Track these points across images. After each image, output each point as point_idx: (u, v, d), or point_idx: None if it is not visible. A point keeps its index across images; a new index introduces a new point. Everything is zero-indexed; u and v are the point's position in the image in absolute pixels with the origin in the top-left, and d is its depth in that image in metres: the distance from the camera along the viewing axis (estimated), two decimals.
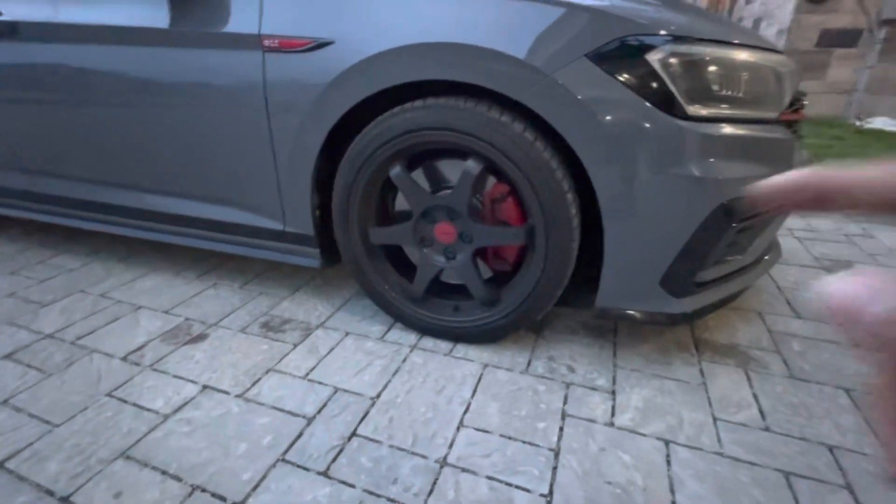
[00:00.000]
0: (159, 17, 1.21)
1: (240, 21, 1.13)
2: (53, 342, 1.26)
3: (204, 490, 0.83)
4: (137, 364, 1.17)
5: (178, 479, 0.85)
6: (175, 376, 1.12)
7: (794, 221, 2.17)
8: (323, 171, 1.22)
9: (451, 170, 1.16)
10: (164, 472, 0.86)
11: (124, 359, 1.19)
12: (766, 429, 0.96)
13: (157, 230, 1.52)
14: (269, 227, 1.33)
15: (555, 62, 0.91)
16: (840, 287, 0.13)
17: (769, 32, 5.20)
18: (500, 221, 1.13)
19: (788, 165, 1.06)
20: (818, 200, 0.16)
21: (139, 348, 1.23)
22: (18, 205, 1.75)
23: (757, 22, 5.63)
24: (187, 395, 1.05)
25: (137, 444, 0.92)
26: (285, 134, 1.16)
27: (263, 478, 0.85)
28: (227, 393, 1.06)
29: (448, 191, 1.13)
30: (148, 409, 1.01)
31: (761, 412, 1.00)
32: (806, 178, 0.16)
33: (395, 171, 1.12)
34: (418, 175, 1.18)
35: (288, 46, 1.09)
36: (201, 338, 1.28)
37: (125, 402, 1.04)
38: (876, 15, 4.42)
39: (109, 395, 1.06)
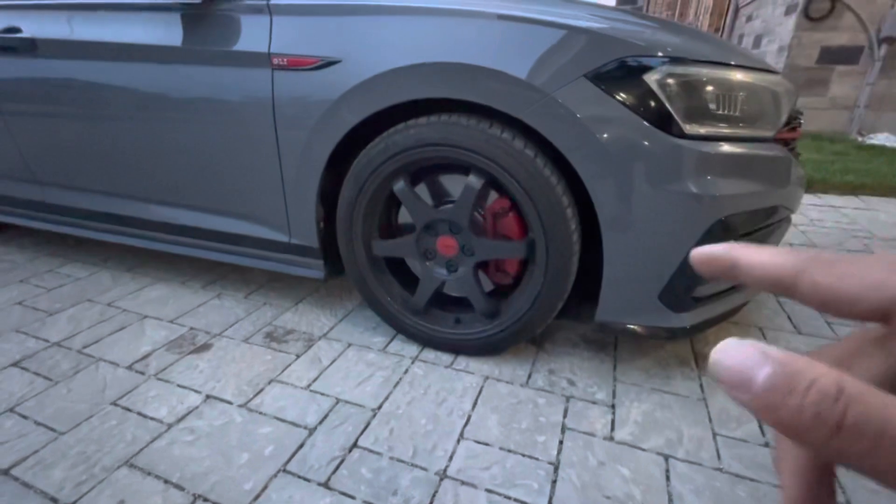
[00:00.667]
0: (172, 36, 1.25)
1: (250, 40, 1.17)
2: (60, 350, 1.28)
3: (206, 500, 0.83)
4: (142, 373, 1.18)
5: (181, 488, 0.86)
6: (179, 385, 1.13)
7: (794, 237, 2.18)
8: (328, 184, 1.24)
9: (454, 184, 1.18)
10: (166, 481, 0.87)
11: (129, 367, 1.20)
12: (766, 444, 0.96)
13: (164, 241, 1.55)
14: (274, 239, 1.35)
15: (555, 82, 0.94)
16: (730, 354, 0.12)
17: (770, 49, 5.26)
18: (502, 235, 1.15)
19: (785, 182, 1.07)
20: (729, 273, 0.17)
21: (144, 357, 1.25)
22: (30, 215, 1.78)
23: (758, 39, 5.69)
24: (191, 405, 1.07)
25: (141, 452, 0.94)
26: (292, 148, 1.19)
27: (265, 488, 0.86)
28: (230, 403, 1.07)
29: (450, 205, 1.15)
30: (152, 418, 1.03)
31: (761, 428, 1.00)
32: (721, 253, 0.18)
33: (399, 185, 1.15)
34: (421, 189, 1.20)
35: (296, 65, 1.12)
36: (205, 347, 1.29)
37: (130, 410, 1.05)
38: (875, 32, 4.47)
39: (114, 403, 1.07)
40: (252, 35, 1.17)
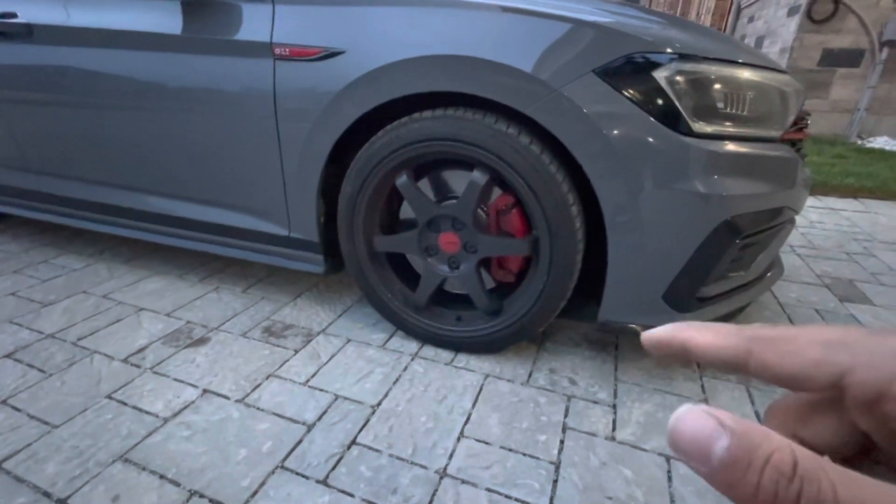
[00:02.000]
0: (172, 23, 1.23)
1: (252, 29, 1.15)
2: (55, 342, 1.26)
3: (202, 495, 0.82)
4: (138, 366, 1.16)
5: (177, 483, 0.84)
6: (175, 379, 1.12)
7: (794, 238, 2.17)
8: (329, 178, 1.23)
9: (457, 180, 1.17)
10: (162, 477, 0.86)
11: (125, 361, 1.19)
12: None
13: (162, 233, 1.53)
14: (273, 233, 1.33)
15: (562, 77, 0.93)
16: (688, 424, 0.12)
17: (772, 51, 5.25)
18: (505, 232, 1.14)
19: (791, 184, 1.06)
20: (682, 355, 0.17)
21: (140, 350, 1.23)
22: (25, 204, 1.76)
23: (759, 40, 5.69)
24: (187, 399, 1.05)
25: (136, 447, 0.92)
26: (293, 141, 1.17)
27: (262, 484, 0.85)
28: (227, 398, 1.06)
29: (453, 201, 1.14)
30: (148, 412, 1.01)
31: None
32: (669, 337, 0.17)
33: (402, 180, 1.13)
34: (424, 184, 1.18)
35: (299, 55, 1.10)
36: (202, 341, 1.28)
37: (125, 404, 1.04)
38: (877, 36, 4.47)
39: (109, 396, 1.06)
40: (254, 24, 1.15)
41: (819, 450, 0.15)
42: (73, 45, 1.36)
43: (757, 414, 1.04)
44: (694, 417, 0.12)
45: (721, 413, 0.12)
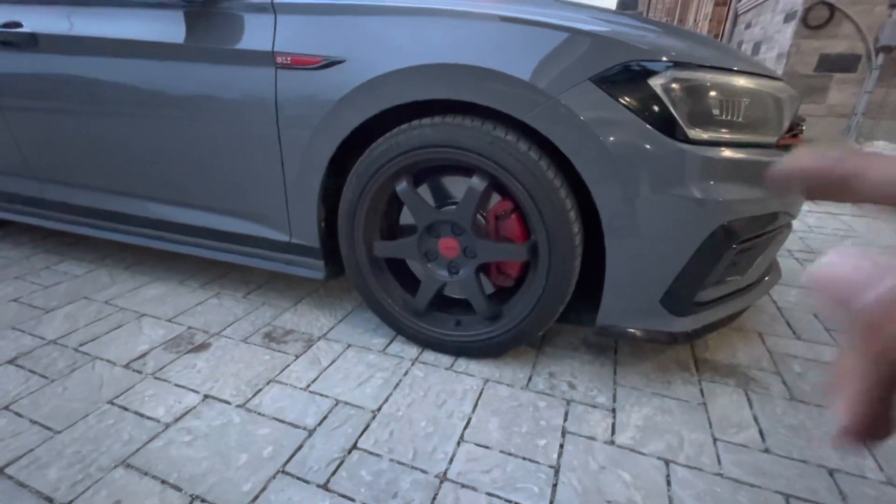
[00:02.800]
0: (175, 32, 1.25)
1: (253, 38, 1.16)
2: (56, 348, 1.27)
3: (203, 501, 0.83)
4: (139, 372, 1.17)
5: (178, 488, 0.85)
6: (177, 385, 1.12)
7: (792, 243, 2.18)
8: (330, 184, 1.24)
9: (456, 186, 1.18)
10: (163, 482, 0.86)
11: (126, 366, 1.19)
12: (766, 450, 0.96)
13: (164, 239, 1.54)
14: (274, 238, 1.34)
15: (559, 84, 0.94)
16: (835, 266, 0.13)
17: (769, 56, 5.29)
18: (504, 238, 1.15)
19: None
20: (840, 188, 0.16)
21: (141, 356, 1.24)
22: (27, 211, 1.77)
23: (757, 46, 5.73)
24: (189, 405, 1.06)
25: (138, 452, 0.93)
26: (294, 148, 1.19)
27: (263, 489, 0.85)
28: (228, 403, 1.07)
29: (453, 206, 1.15)
30: (149, 418, 1.02)
31: (761, 433, 1.00)
32: (833, 163, 0.16)
33: (402, 186, 1.14)
34: (424, 190, 1.20)
35: (300, 64, 1.12)
36: (203, 347, 1.28)
37: (126, 409, 1.04)
38: (873, 41, 4.51)
39: (111, 402, 1.06)
40: (255, 33, 1.16)
41: None
42: (77, 55, 1.38)
43: (755, 418, 1.05)
44: (845, 258, 0.13)
45: (874, 254, 0.12)
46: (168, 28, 1.26)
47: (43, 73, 1.44)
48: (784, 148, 1.08)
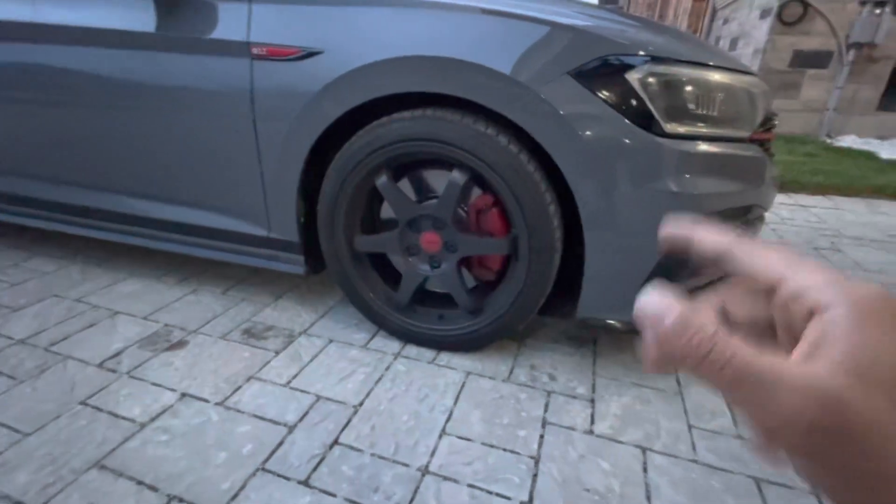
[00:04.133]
0: (145, 21, 1.20)
1: (228, 28, 1.13)
2: (25, 348, 1.23)
3: (181, 500, 0.81)
4: (114, 371, 1.14)
5: (155, 489, 0.83)
6: (153, 384, 1.10)
7: (767, 234, 2.24)
8: (309, 178, 1.22)
9: (437, 180, 1.18)
10: (139, 483, 0.84)
11: (100, 366, 1.16)
12: (739, 437, 0.99)
13: (138, 234, 1.50)
14: (253, 233, 1.32)
15: (539, 78, 0.94)
16: (649, 301, 0.18)
17: (745, 52, 5.39)
18: (485, 231, 1.15)
19: (760, 182, 1.10)
20: (685, 245, 0.22)
21: (116, 355, 1.20)
22: None
23: (734, 42, 5.83)
24: (165, 403, 1.04)
25: (112, 453, 0.90)
26: (272, 141, 1.16)
27: (243, 487, 0.84)
28: (206, 401, 1.05)
29: (434, 201, 1.14)
30: (124, 418, 0.99)
31: (734, 420, 1.03)
32: (679, 232, 0.23)
33: (382, 180, 1.13)
34: (404, 184, 1.19)
35: (276, 54, 1.09)
36: (181, 344, 1.26)
37: (100, 410, 1.01)
38: (844, 38, 4.64)
39: (84, 403, 1.03)
40: (230, 23, 1.13)
41: (738, 321, 0.21)
42: (41, 43, 1.32)
43: (729, 405, 1.08)
44: (656, 297, 0.18)
45: (673, 297, 0.18)
46: (138, 16, 1.21)
47: (5, 62, 1.38)
48: (758, 142, 1.11)
